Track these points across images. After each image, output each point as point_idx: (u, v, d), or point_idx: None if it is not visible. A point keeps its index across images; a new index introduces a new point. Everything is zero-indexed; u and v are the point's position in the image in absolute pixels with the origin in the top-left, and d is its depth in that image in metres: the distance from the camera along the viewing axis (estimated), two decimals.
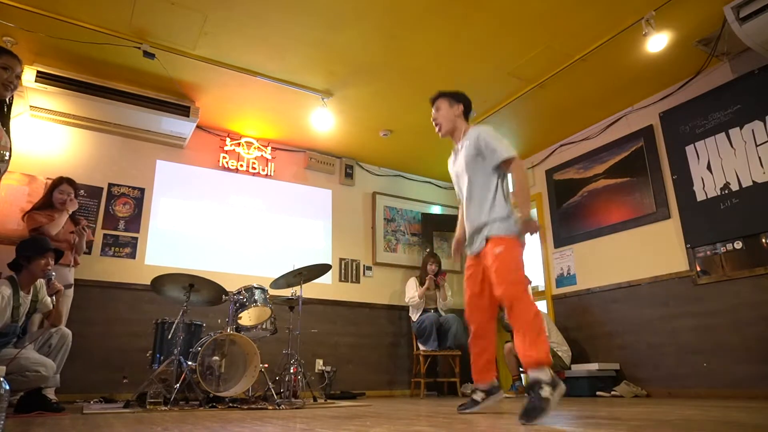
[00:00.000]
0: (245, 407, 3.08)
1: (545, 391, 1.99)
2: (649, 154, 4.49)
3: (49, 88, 3.92)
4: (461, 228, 2.72)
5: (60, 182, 3.65)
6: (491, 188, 2.44)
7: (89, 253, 4.21)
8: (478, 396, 2.61)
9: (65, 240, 3.53)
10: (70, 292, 3.63)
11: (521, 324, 2.19)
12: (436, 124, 2.72)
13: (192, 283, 3.43)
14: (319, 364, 4.95)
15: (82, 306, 3.93)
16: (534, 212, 3.95)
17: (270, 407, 3.08)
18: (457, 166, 2.65)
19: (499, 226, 2.37)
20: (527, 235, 2.37)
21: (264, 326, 3.75)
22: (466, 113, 2.71)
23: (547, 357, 2.11)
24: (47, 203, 3.59)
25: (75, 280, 3.77)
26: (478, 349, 2.60)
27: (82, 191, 4.31)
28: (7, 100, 3.00)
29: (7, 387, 1.58)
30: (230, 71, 4.10)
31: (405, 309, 5.39)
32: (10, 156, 2.51)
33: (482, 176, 2.47)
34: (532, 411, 1.94)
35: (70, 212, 3.60)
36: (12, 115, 4.13)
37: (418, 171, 6.22)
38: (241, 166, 5.16)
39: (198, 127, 4.75)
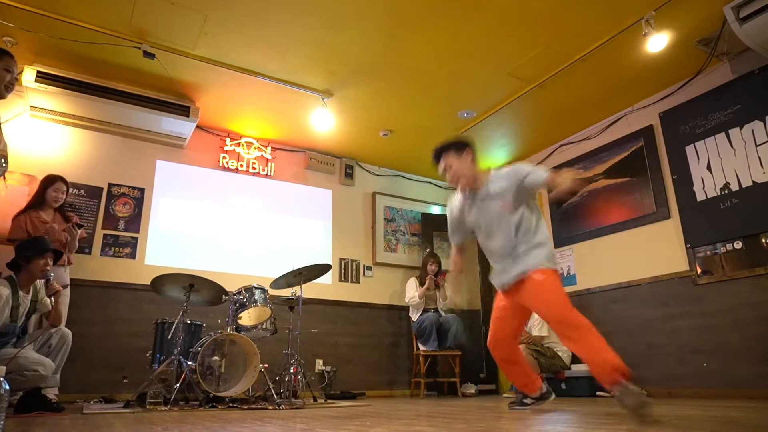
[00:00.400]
0: (245, 407, 3.09)
1: (632, 390, 1.97)
2: (649, 154, 4.49)
3: (49, 88, 3.92)
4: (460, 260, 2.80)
5: (54, 180, 3.63)
6: (533, 214, 2.48)
7: (89, 252, 4.21)
8: (528, 400, 2.69)
9: (57, 240, 3.50)
10: (67, 291, 3.63)
11: (582, 334, 2.14)
12: (454, 181, 2.60)
13: (192, 283, 3.43)
14: (319, 364, 4.95)
15: (82, 306, 3.93)
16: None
17: (270, 407, 3.08)
18: (484, 211, 2.55)
19: (541, 253, 2.37)
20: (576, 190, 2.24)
21: (264, 326, 3.75)
22: (476, 156, 2.62)
23: (622, 363, 2.06)
24: (39, 201, 3.58)
25: (74, 279, 3.78)
26: (512, 373, 2.67)
27: (82, 191, 4.32)
28: None
29: (7, 387, 1.58)
30: (230, 71, 4.10)
31: (405, 309, 5.39)
32: (6, 160, 2.50)
33: (526, 206, 2.47)
34: (637, 405, 1.91)
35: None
36: (12, 115, 4.14)
37: (418, 171, 6.22)
38: (241, 166, 5.16)
39: (198, 127, 4.75)
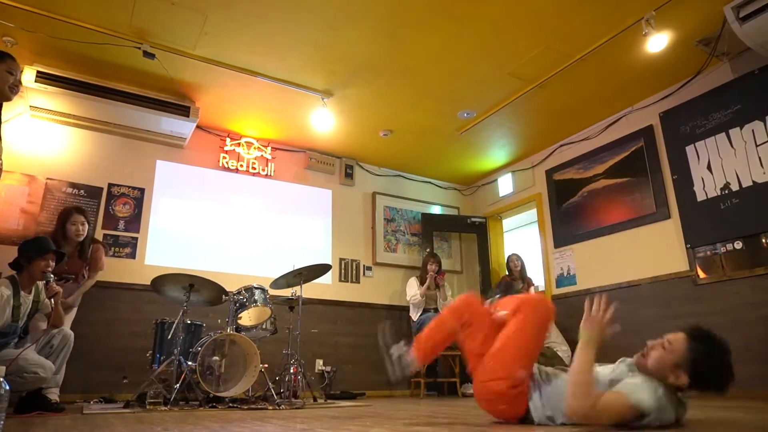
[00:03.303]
0: (245, 407, 3.09)
1: None
2: (649, 154, 4.49)
3: (50, 88, 3.92)
4: None
5: (69, 213, 3.56)
6: None
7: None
8: None
9: (73, 272, 3.55)
10: (74, 311, 3.64)
11: None
12: None
13: (192, 283, 3.43)
14: (319, 364, 4.95)
15: (82, 306, 3.91)
16: None
17: (270, 407, 3.08)
18: None
19: None
20: None
21: (264, 326, 3.75)
22: None
23: None
24: (60, 237, 3.50)
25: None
26: None
27: (82, 191, 4.32)
28: None
29: (8, 387, 1.58)
30: (230, 71, 4.10)
31: (405, 309, 5.39)
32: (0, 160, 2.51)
33: None
34: None
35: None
36: (12, 115, 4.14)
37: (418, 171, 6.22)
38: (241, 166, 5.16)
39: (198, 127, 4.75)
